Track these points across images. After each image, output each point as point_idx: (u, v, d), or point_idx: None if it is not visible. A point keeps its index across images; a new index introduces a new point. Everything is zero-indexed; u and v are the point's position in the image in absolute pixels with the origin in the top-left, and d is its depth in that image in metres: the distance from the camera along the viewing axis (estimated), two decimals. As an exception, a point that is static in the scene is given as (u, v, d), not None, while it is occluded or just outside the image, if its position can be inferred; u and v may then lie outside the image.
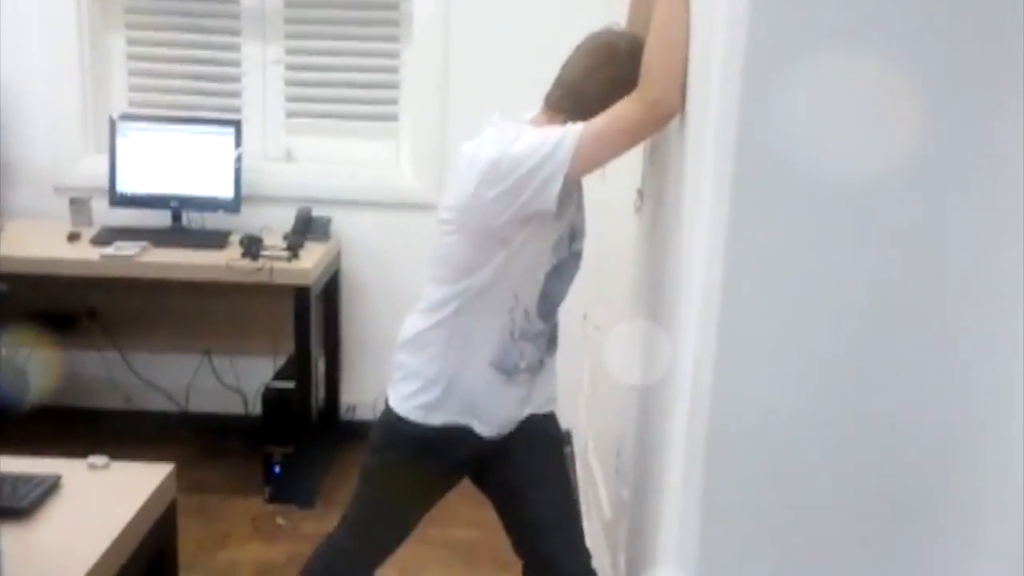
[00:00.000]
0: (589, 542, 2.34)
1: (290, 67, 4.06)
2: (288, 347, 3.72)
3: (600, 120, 1.94)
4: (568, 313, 2.23)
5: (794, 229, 1.44)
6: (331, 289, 4.01)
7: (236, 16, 4.02)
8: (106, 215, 3.90)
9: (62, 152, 4.03)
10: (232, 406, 4.19)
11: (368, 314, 4.12)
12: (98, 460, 1.97)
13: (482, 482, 2.30)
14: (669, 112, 1.86)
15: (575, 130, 1.94)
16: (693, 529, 1.57)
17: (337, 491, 3.63)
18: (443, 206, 2.14)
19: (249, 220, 3.88)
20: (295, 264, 3.56)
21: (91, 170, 3.97)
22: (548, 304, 2.17)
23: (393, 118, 4.10)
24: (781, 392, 1.49)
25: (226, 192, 3.85)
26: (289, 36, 4.04)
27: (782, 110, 1.40)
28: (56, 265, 3.57)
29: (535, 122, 2.11)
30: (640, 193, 2.41)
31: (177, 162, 3.86)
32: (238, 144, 3.85)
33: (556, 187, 1.94)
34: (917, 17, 1.36)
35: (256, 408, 3.96)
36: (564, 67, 2.13)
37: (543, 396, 2.28)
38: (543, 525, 2.22)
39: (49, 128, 4.01)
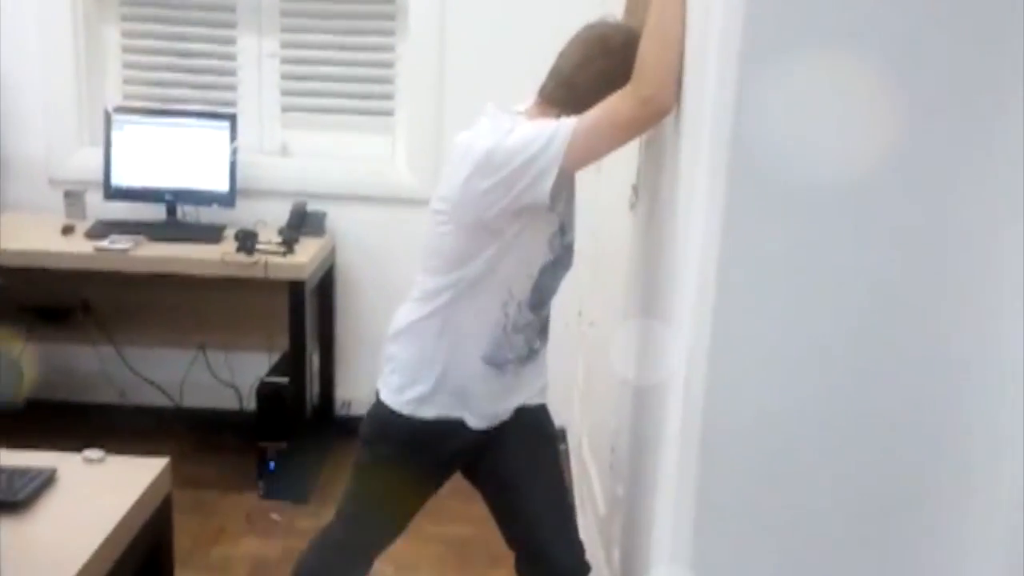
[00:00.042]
0: (584, 538, 2.35)
1: (285, 61, 4.06)
2: (283, 342, 3.72)
3: (594, 114, 1.94)
4: (562, 310, 2.23)
5: (789, 226, 1.44)
6: (326, 284, 4.01)
7: (232, 9, 4.01)
8: (100, 208, 3.89)
9: (56, 145, 4.02)
10: (226, 401, 4.19)
11: (363, 309, 4.11)
12: (94, 454, 1.97)
13: (473, 475, 2.31)
14: (664, 108, 1.86)
15: (569, 123, 1.95)
16: (687, 525, 1.57)
17: (332, 487, 3.63)
18: (436, 196, 2.14)
19: (244, 214, 3.87)
20: (290, 259, 3.56)
21: (85, 163, 3.96)
22: (539, 297, 2.17)
23: (389, 112, 4.10)
24: (775, 389, 1.50)
25: (221, 186, 3.84)
26: (285, 29, 4.03)
27: (777, 106, 1.40)
28: (50, 258, 3.56)
29: (528, 114, 2.11)
30: (635, 189, 2.41)
31: (172, 155, 3.85)
32: (233, 138, 3.84)
33: (550, 180, 1.94)
34: (915, 15, 1.36)
35: (251, 403, 3.95)
36: (559, 58, 2.13)
37: (534, 387, 2.28)
38: (535, 517, 2.23)
39: (44, 121, 4.00)
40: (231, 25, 4.03)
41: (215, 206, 3.88)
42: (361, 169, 4.09)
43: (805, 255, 1.44)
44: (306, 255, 3.61)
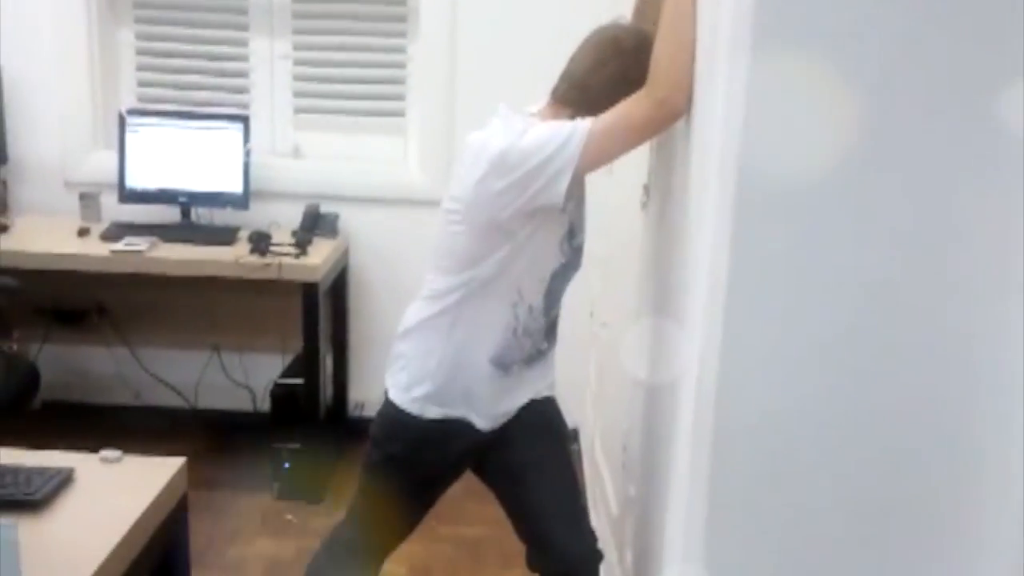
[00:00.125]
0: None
1: (298, 63, 4.07)
2: (296, 344, 3.73)
3: (609, 116, 1.94)
4: (574, 310, 2.23)
5: (799, 227, 1.45)
6: (339, 285, 4.02)
7: (244, 11, 4.03)
8: (115, 210, 3.91)
9: (71, 147, 4.05)
10: (241, 402, 4.21)
11: (376, 310, 4.13)
12: (111, 454, 1.98)
13: (483, 471, 2.31)
14: (678, 110, 1.86)
15: (585, 125, 1.95)
16: (699, 524, 1.58)
17: (345, 487, 3.62)
18: (448, 196, 2.14)
19: (257, 216, 3.89)
20: (303, 260, 3.57)
21: (100, 165, 3.98)
22: (552, 300, 2.18)
23: (400, 114, 4.11)
24: (786, 388, 1.50)
25: (235, 188, 3.86)
26: (297, 31, 4.05)
27: (787, 107, 1.41)
28: (66, 260, 3.58)
29: (541, 115, 2.11)
30: (647, 189, 2.42)
31: (186, 158, 3.88)
32: (247, 139, 3.86)
33: (565, 181, 1.95)
34: (918, 16, 1.37)
35: (265, 404, 3.98)
36: (571, 61, 2.13)
37: (539, 385, 2.28)
38: (544, 508, 2.23)
39: (58, 123, 4.02)
40: (244, 27, 4.05)
41: (229, 208, 3.90)
42: (373, 170, 4.11)
43: (815, 256, 1.45)
44: (319, 257, 3.63)
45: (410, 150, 4.12)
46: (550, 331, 2.24)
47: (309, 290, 3.58)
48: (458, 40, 3.93)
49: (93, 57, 3.99)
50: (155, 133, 3.88)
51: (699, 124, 1.77)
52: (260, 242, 3.58)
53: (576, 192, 2.10)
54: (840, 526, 1.54)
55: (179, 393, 4.23)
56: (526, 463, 2.26)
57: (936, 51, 1.38)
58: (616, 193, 3.05)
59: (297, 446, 3.64)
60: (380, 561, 2.35)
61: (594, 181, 2.17)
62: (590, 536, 2.27)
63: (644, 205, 2.45)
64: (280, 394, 3.70)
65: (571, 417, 2.44)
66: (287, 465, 3.65)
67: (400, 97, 4.10)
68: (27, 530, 1.58)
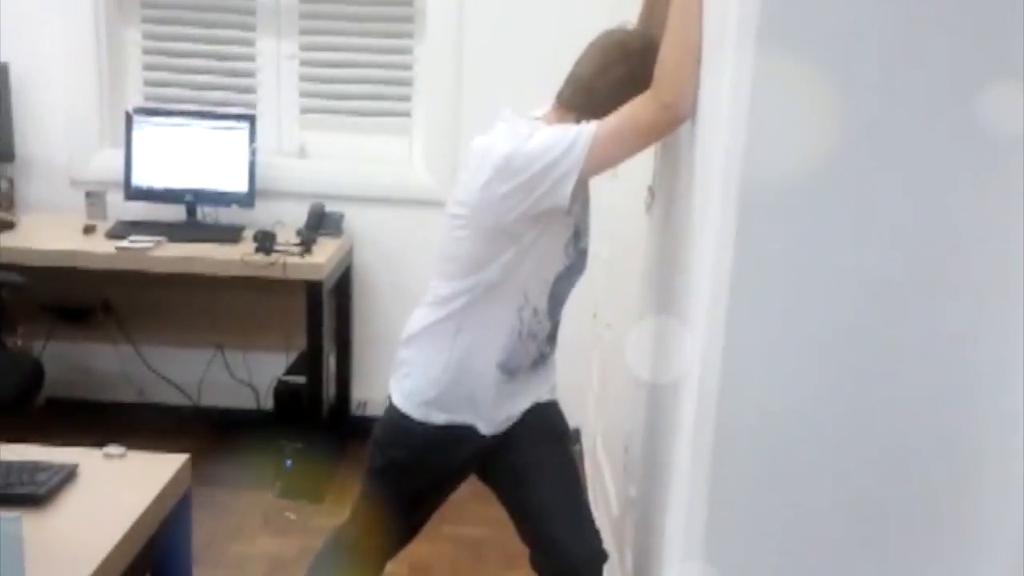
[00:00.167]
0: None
1: (304, 63, 4.09)
2: (300, 342, 3.74)
3: (615, 119, 1.94)
4: (578, 312, 2.24)
5: (801, 227, 1.45)
6: (343, 284, 4.03)
7: (251, 12, 4.04)
8: (121, 209, 3.92)
9: (78, 146, 4.06)
10: (244, 400, 4.22)
11: (380, 310, 4.14)
12: (114, 450, 1.99)
13: (486, 473, 2.31)
14: (684, 113, 1.86)
15: (590, 129, 1.95)
16: (699, 525, 1.58)
17: (347, 486, 3.65)
18: (453, 200, 2.14)
19: (263, 215, 3.91)
20: (308, 259, 3.58)
21: (107, 164, 4.00)
22: (556, 304, 2.18)
23: (406, 114, 4.12)
24: (787, 389, 1.50)
25: (240, 187, 3.87)
26: (304, 32, 4.06)
27: (790, 109, 1.41)
28: (71, 258, 3.59)
29: (546, 119, 2.11)
30: (651, 191, 2.42)
31: (192, 156, 3.89)
32: (252, 139, 3.87)
33: (570, 184, 1.95)
34: (920, 17, 1.37)
35: (268, 403, 4.00)
36: (576, 65, 2.13)
37: (542, 389, 2.29)
38: (547, 509, 2.22)
39: (65, 122, 4.04)
40: (251, 27, 4.06)
41: (234, 207, 3.91)
42: (379, 170, 4.11)
43: (817, 255, 1.45)
44: (324, 256, 3.64)
45: (415, 150, 4.13)
46: (553, 335, 2.24)
47: (313, 289, 3.59)
48: (464, 41, 3.94)
49: (100, 56, 4.00)
50: (161, 132, 3.89)
51: (703, 126, 1.77)
52: (265, 241, 3.59)
53: (581, 195, 2.10)
54: (840, 526, 1.54)
55: (183, 391, 4.24)
56: (528, 465, 2.26)
57: (937, 52, 1.38)
58: (620, 195, 3.06)
59: (299, 445, 3.65)
60: (383, 564, 2.36)
61: (598, 183, 2.17)
62: (594, 537, 2.26)
63: (648, 207, 2.46)
64: (283, 392, 3.71)
65: (573, 418, 2.44)
66: (289, 463, 3.66)
67: (406, 98, 4.10)
68: (31, 525, 1.59)
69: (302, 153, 4.16)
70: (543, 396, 2.29)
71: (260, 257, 3.54)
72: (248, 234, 3.73)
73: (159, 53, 4.11)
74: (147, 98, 4.12)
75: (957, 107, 1.39)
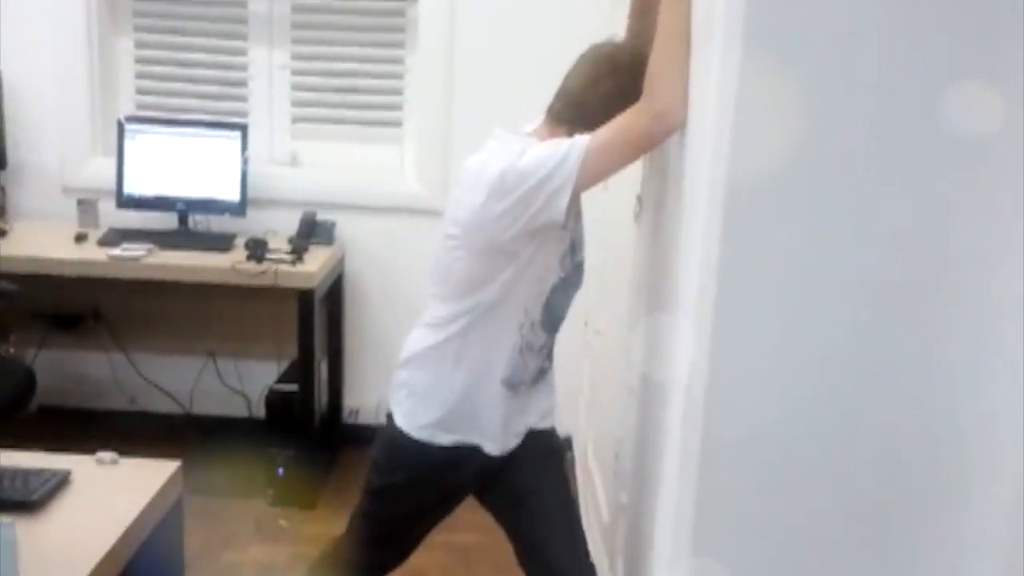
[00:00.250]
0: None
1: (296, 72, 4.10)
2: (292, 350, 3.75)
3: (606, 131, 1.93)
4: (569, 319, 2.24)
5: (789, 231, 1.46)
6: (335, 292, 4.04)
7: (243, 21, 4.06)
8: (113, 217, 3.93)
9: (70, 154, 4.07)
10: (236, 408, 4.23)
11: (371, 318, 4.15)
12: (107, 456, 2.00)
13: (485, 497, 2.30)
14: (676, 122, 1.84)
15: (582, 141, 1.94)
16: (686, 532, 1.59)
17: (339, 494, 3.67)
18: (448, 220, 2.12)
19: (254, 223, 3.92)
20: (299, 267, 3.59)
21: (98, 172, 4.01)
22: (551, 316, 2.16)
23: (398, 124, 4.14)
24: (774, 399, 1.51)
25: (232, 195, 3.88)
26: (295, 41, 4.07)
27: (777, 113, 1.42)
28: (63, 266, 3.60)
29: (537, 133, 2.11)
30: (640, 200, 2.44)
31: (184, 165, 3.90)
32: (244, 148, 3.88)
33: (565, 199, 1.93)
34: (915, 16, 1.37)
35: (260, 411, 4.00)
36: (566, 79, 2.13)
37: (543, 407, 2.27)
38: (545, 538, 2.21)
39: (57, 130, 4.05)
40: (243, 37, 4.08)
41: (226, 215, 3.92)
42: (370, 179, 4.13)
43: (804, 261, 1.46)
44: (315, 264, 3.65)
45: (407, 159, 4.15)
46: (550, 350, 2.23)
47: (305, 297, 3.59)
48: (455, 51, 3.96)
49: (92, 65, 4.02)
50: (153, 140, 3.90)
51: (690, 132, 1.78)
52: (257, 249, 3.60)
53: (575, 208, 2.08)
54: (829, 533, 1.55)
55: (174, 399, 4.24)
56: (529, 489, 2.24)
57: (927, 52, 1.38)
58: (610, 204, 3.07)
59: (291, 452, 3.66)
60: None
61: (588, 193, 2.17)
62: (589, 567, 2.24)
63: (637, 215, 2.47)
64: (275, 400, 3.72)
65: (565, 425, 2.45)
66: (281, 471, 3.66)
67: (397, 107, 4.12)
68: (24, 531, 1.59)
69: (294, 162, 4.17)
70: (542, 421, 2.28)
71: (252, 265, 3.55)
72: (240, 242, 3.75)
73: (151, 62, 4.12)
74: (139, 106, 4.13)
75: (950, 107, 1.39)
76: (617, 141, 1.93)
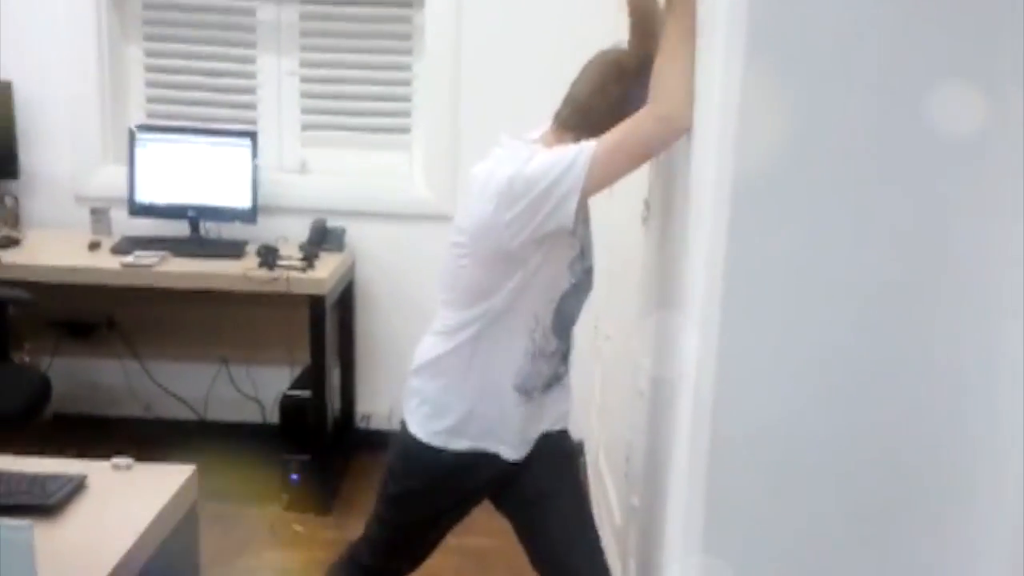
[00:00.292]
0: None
1: (305, 79, 4.13)
2: (304, 356, 3.77)
3: (613, 135, 1.93)
4: (580, 324, 2.24)
5: (792, 232, 1.47)
6: (346, 299, 4.06)
7: (252, 29, 4.09)
8: (125, 225, 3.96)
9: (82, 163, 4.10)
10: (250, 415, 4.25)
11: (382, 323, 4.17)
12: (122, 461, 2.02)
13: (499, 501, 2.30)
14: (683, 126, 1.85)
15: (589, 147, 1.93)
16: (696, 533, 1.60)
17: (353, 498, 3.68)
18: (455, 229, 2.12)
19: (265, 230, 3.95)
20: (310, 274, 3.61)
21: (110, 180, 4.03)
22: (562, 322, 2.16)
23: (406, 130, 4.16)
24: (781, 399, 1.52)
25: (243, 203, 3.91)
26: (304, 49, 4.10)
27: (779, 114, 1.42)
28: (76, 274, 3.62)
29: (544, 140, 2.11)
30: (647, 204, 2.44)
31: (195, 173, 3.92)
32: (254, 155, 3.90)
33: (573, 204, 1.93)
34: (914, 16, 1.38)
35: (273, 417, 4.01)
36: (573, 85, 2.14)
37: (558, 412, 2.27)
38: (560, 541, 2.21)
39: (69, 139, 4.08)
40: (252, 45, 4.10)
41: (237, 222, 3.94)
42: (379, 185, 4.15)
43: (808, 261, 1.47)
44: (326, 270, 3.67)
45: (415, 165, 4.16)
46: (566, 355, 2.23)
47: (316, 303, 3.61)
48: (462, 58, 3.98)
49: (104, 74, 4.05)
50: (164, 148, 3.92)
51: (696, 134, 1.79)
52: (268, 256, 3.62)
53: (583, 213, 2.09)
54: (836, 534, 1.55)
55: (188, 405, 4.27)
56: (544, 492, 2.24)
57: (930, 54, 1.39)
58: (618, 208, 3.09)
59: (305, 458, 3.68)
60: None
61: (595, 197, 2.17)
62: (604, 570, 2.25)
63: (645, 219, 2.48)
64: (288, 406, 3.73)
65: (577, 429, 2.44)
66: (295, 476, 3.68)
67: (406, 114, 4.14)
68: (41, 535, 1.61)
69: (304, 169, 4.19)
70: (556, 424, 2.28)
71: (263, 272, 3.57)
72: (251, 249, 3.77)
73: (161, 71, 4.15)
74: (150, 115, 4.16)
75: (950, 107, 1.40)
76: (624, 145, 1.93)
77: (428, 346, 2.20)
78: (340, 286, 3.88)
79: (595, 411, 3.75)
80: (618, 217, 3.07)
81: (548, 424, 2.25)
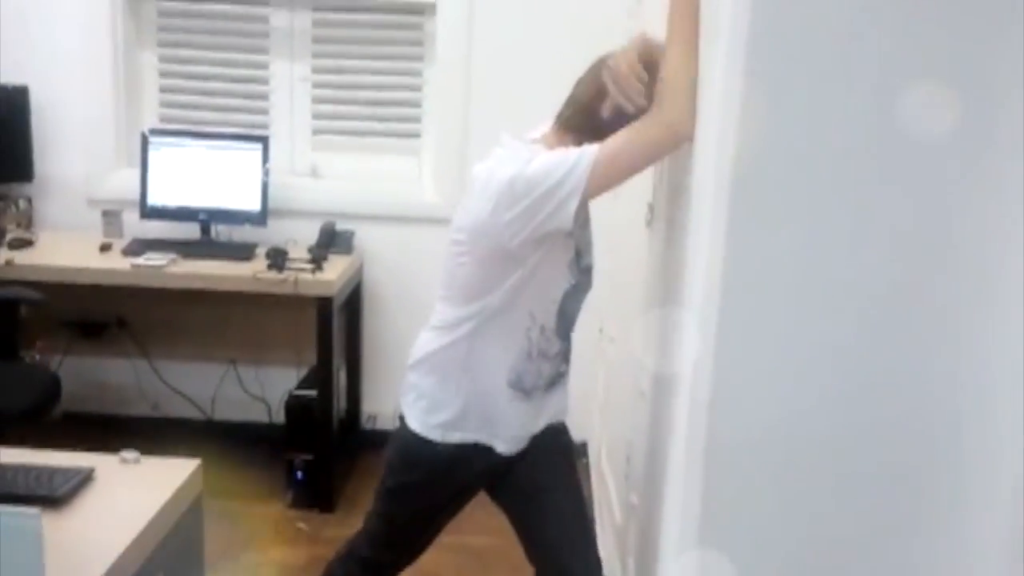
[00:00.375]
0: (602, 547, 2.37)
1: (316, 85, 4.17)
2: (311, 357, 3.80)
3: (616, 140, 1.94)
4: (583, 326, 2.25)
5: (791, 233, 1.47)
6: (354, 301, 4.09)
7: (265, 35, 4.13)
8: (137, 227, 4.01)
9: (95, 166, 4.14)
10: (256, 414, 4.28)
11: (389, 325, 4.20)
12: (129, 455, 2.04)
13: (495, 492, 2.32)
14: (687, 133, 1.84)
15: (592, 149, 1.94)
16: (692, 531, 1.61)
17: (357, 497, 3.71)
18: (455, 227, 2.14)
19: (275, 233, 3.99)
20: (319, 276, 3.64)
21: (123, 183, 4.07)
22: (565, 323, 2.18)
23: (416, 135, 4.19)
24: (777, 395, 1.53)
25: (253, 206, 3.94)
26: (316, 55, 4.14)
27: (780, 114, 1.43)
28: (88, 275, 3.66)
29: (545, 141, 2.12)
30: (651, 207, 2.46)
31: (206, 176, 3.96)
32: (265, 159, 3.94)
33: (573, 206, 1.94)
34: (915, 16, 1.38)
35: (280, 416, 4.04)
36: (576, 86, 2.15)
37: (557, 408, 2.29)
38: (554, 533, 2.23)
39: (83, 143, 4.12)
40: (264, 51, 4.15)
41: (247, 225, 3.98)
42: (388, 190, 4.19)
43: (807, 261, 1.47)
44: (334, 272, 3.70)
45: (425, 170, 4.20)
46: (567, 355, 2.25)
47: (324, 305, 3.64)
48: (473, 65, 4.02)
49: (117, 79, 4.09)
50: (176, 152, 3.96)
51: (698, 135, 1.79)
52: (277, 258, 3.66)
53: (582, 215, 2.08)
54: (832, 533, 1.56)
55: (196, 405, 4.31)
56: (541, 487, 2.26)
57: (932, 53, 1.39)
58: (622, 210, 3.10)
59: (310, 457, 3.71)
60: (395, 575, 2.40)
61: (600, 200, 2.15)
62: (597, 566, 2.27)
63: (648, 222, 2.49)
64: (295, 406, 3.76)
65: (580, 430, 2.46)
66: (300, 475, 3.72)
67: (416, 119, 4.18)
68: (49, 525, 1.63)
69: (314, 173, 4.23)
70: (555, 417, 2.30)
71: (272, 274, 3.61)
72: (261, 252, 3.80)
73: (175, 76, 4.20)
74: (163, 119, 4.21)
75: (951, 107, 1.40)
76: (627, 150, 1.94)
77: (424, 341, 2.22)
78: (348, 288, 3.91)
79: (598, 412, 3.77)
80: (622, 220, 3.08)
81: (546, 420, 2.27)
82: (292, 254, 3.73)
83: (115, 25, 4.05)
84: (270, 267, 3.64)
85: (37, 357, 3.99)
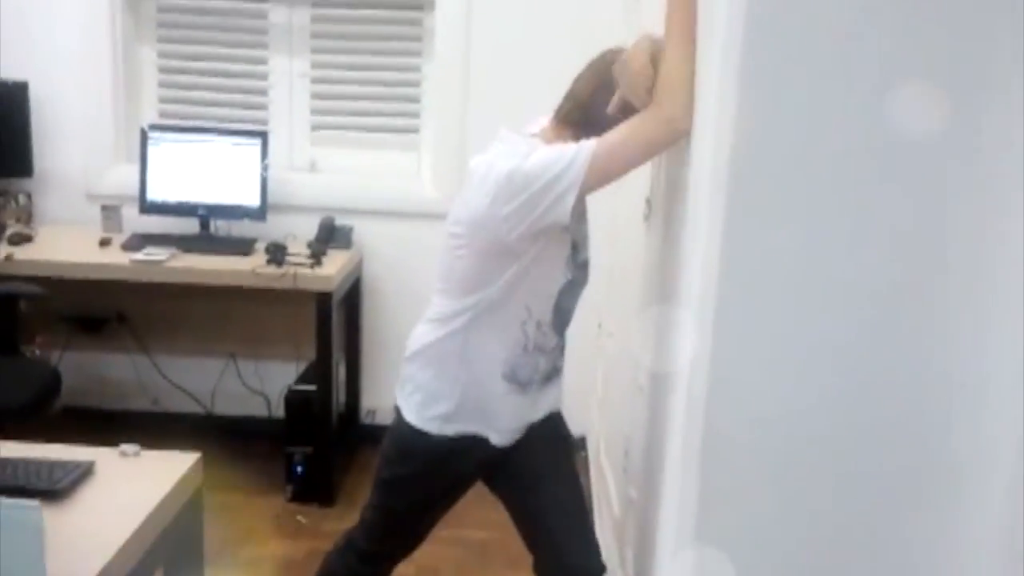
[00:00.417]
0: (600, 539, 2.37)
1: (316, 80, 4.18)
2: (310, 352, 3.81)
3: (615, 135, 1.94)
4: (582, 321, 2.25)
5: (789, 230, 1.47)
6: (352, 295, 4.10)
7: (264, 31, 4.14)
8: (136, 222, 4.01)
9: (94, 161, 4.15)
10: (256, 408, 4.30)
11: (388, 320, 4.21)
12: (129, 448, 2.05)
13: (493, 481, 2.34)
14: (685, 128, 1.85)
15: (589, 144, 1.95)
16: (689, 525, 1.61)
17: (356, 491, 3.72)
18: (452, 219, 2.15)
19: (274, 228, 4.00)
20: (318, 271, 3.65)
21: (122, 179, 4.08)
22: (562, 317, 2.19)
23: (414, 130, 4.20)
24: (774, 391, 1.53)
25: (252, 201, 3.95)
26: (315, 50, 4.15)
27: (777, 112, 1.43)
28: (87, 269, 3.67)
29: (544, 135, 2.13)
30: (649, 202, 2.47)
31: (205, 171, 3.97)
32: (265, 155, 3.95)
33: (571, 200, 1.95)
34: (915, 16, 1.38)
35: (279, 411, 4.05)
36: (575, 81, 2.16)
37: (552, 399, 2.31)
38: (551, 517, 2.25)
39: (82, 138, 4.13)
40: (263, 46, 4.16)
41: (246, 220, 3.99)
42: (387, 185, 4.19)
43: (804, 258, 1.47)
44: (333, 267, 3.71)
45: (423, 165, 4.21)
46: (563, 349, 2.26)
47: (323, 300, 3.65)
48: (471, 60, 4.02)
49: (117, 74, 4.10)
50: (176, 148, 3.97)
51: (695, 131, 1.79)
52: (276, 253, 3.67)
53: (578, 209, 2.08)
54: (828, 528, 1.56)
55: (196, 399, 4.32)
56: (538, 475, 2.28)
57: (932, 53, 1.39)
58: (621, 206, 3.11)
59: (310, 451, 3.72)
60: (391, 568, 2.41)
61: (598, 195, 2.15)
62: (595, 549, 2.29)
63: (647, 217, 2.50)
64: (294, 400, 3.77)
65: (579, 425, 2.47)
66: (300, 469, 3.73)
67: (414, 114, 4.19)
68: (49, 518, 1.64)
69: (313, 168, 4.24)
70: (551, 407, 2.32)
71: (272, 269, 3.62)
72: (260, 247, 3.82)
73: (174, 71, 4.21)
74: (162, 115, 4.22)
75: (951, 107, 1.39)
76: (625, 145, 1.94)
77: (421, 333, 2.23)
78: (347, 283, 3.92)
79: (597, 406, 3.78)
80: (620, 215, 3.09)
81: (542, 412, 2.29)
82: (291, 249, 3.74)
83: (114, 21, 4.05)
84: (269, 262, 3.65)
85: (37, 352, 4.00)
